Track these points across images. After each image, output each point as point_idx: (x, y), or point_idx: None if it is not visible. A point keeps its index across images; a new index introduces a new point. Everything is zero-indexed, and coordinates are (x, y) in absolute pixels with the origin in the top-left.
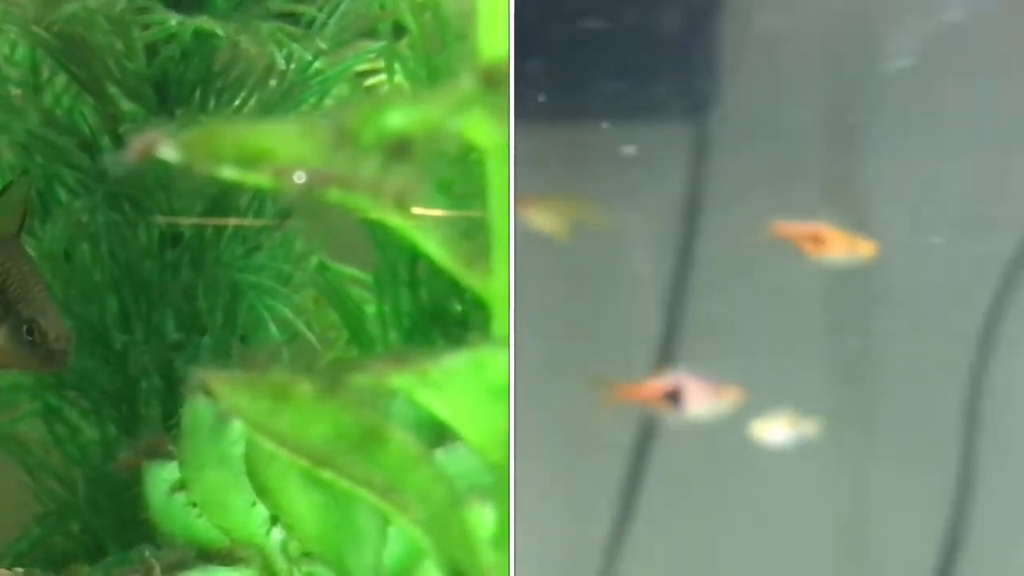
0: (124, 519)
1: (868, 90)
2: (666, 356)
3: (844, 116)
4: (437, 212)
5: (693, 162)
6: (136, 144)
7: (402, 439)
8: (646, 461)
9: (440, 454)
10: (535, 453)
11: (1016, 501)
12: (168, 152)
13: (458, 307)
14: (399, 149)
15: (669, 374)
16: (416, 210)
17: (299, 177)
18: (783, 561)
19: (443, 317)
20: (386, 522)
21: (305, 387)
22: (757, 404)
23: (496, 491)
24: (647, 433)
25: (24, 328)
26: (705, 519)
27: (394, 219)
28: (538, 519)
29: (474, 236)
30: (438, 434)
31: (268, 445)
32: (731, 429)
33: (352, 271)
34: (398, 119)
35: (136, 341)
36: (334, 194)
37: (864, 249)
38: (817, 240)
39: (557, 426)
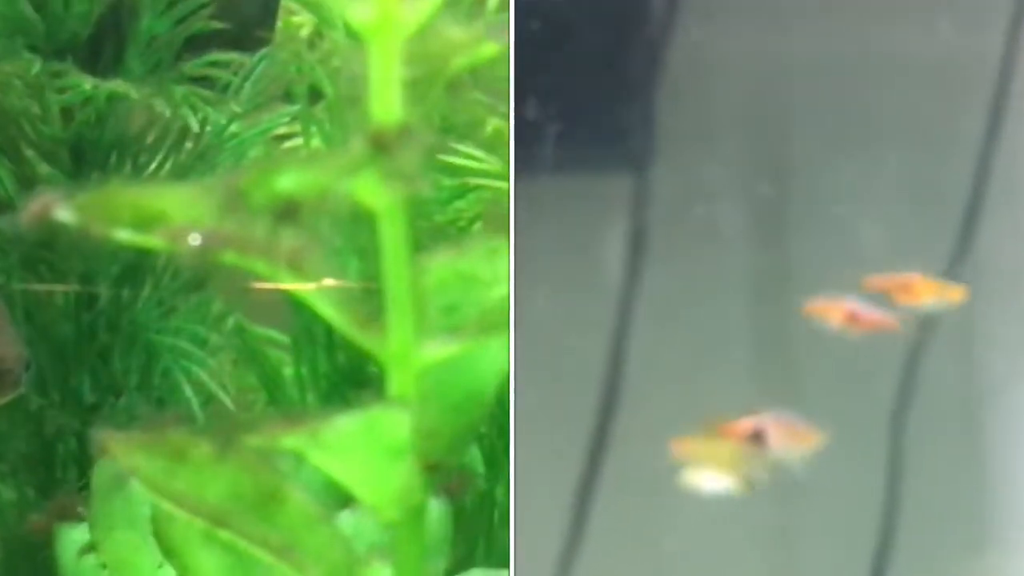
0: None
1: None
2: (610, 397)
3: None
4: (333, 282)
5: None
6: (32, 206)
7: (300, 500)
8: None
9: (347, 514)
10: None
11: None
12: (64, 214)
13: (376, 369)
14: (287, 212)
15: (755, 416)
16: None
17: (194, 239)
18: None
19: (361, 379)
20: None
21: (202, 448)
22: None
23: (393, 551)
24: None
25: None
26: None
27: (289, 282)
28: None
29: (368, 298)
30: (347, 495)
31: (166, 505)
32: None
33: (270, 333)
34: (288, 182)
35: (52, 403)
36: (229, 256)
37: (953, 295)
38: (907, 290)
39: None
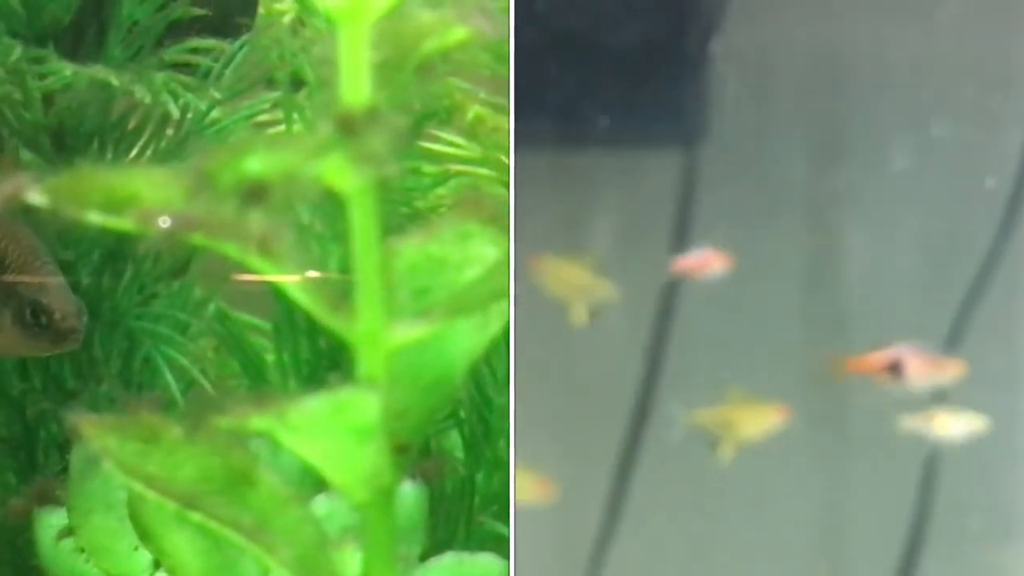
0: (20, 566)
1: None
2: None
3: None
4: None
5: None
6: (3, 189)
7: (271, 482)
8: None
9: (321, 498)
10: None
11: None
12: (35, 197)
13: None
14: (255, 194)
15: (892, 347)
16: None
17: (164, 222)
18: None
19: (342, 365)
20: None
21: (174, 430)
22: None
23: (363, 532)
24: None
25: (28, 311)
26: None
27: (258, 264)
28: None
29: (344, 285)
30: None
31: (137, 487)
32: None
33: (251, 319)
34: (256, 164)
35: (33, 389)
36: (199, 239)
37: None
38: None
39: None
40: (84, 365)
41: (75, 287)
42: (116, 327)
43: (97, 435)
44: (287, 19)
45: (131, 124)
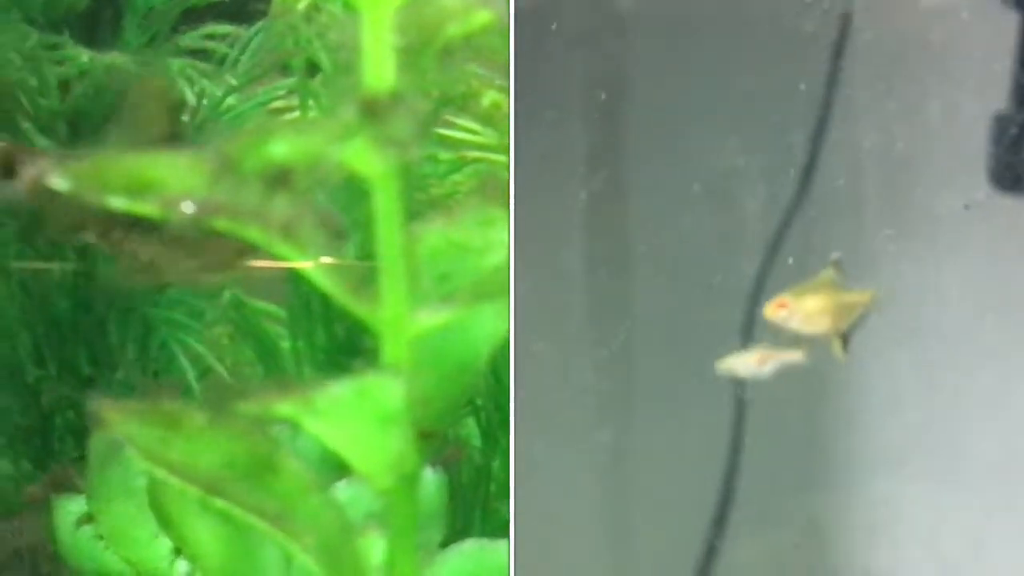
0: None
1: None
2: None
3: None
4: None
5: None
6: (26, 174)
7: (294, 468)
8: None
9: (343, 484)
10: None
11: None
12: (58, 182)
13: (372, 342)
14: (279, 178)
15: None
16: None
17: (187, 207)
18: None
19: (358, 352)
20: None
21: (197, 416)
22: None
23: (386, 519)
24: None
25: None
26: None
27: (282, 249)
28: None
29: (365, 270)
30: (344, 465)
31: (160, 474)
32: None
33: (266, 306)
34: (280, 149)
35: (49, 376)
36: (222, 223)
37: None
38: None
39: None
40: (100, 352)
41: (91, 274)
42: (131, 313)
43: (119, 422)
44: (302, 5)
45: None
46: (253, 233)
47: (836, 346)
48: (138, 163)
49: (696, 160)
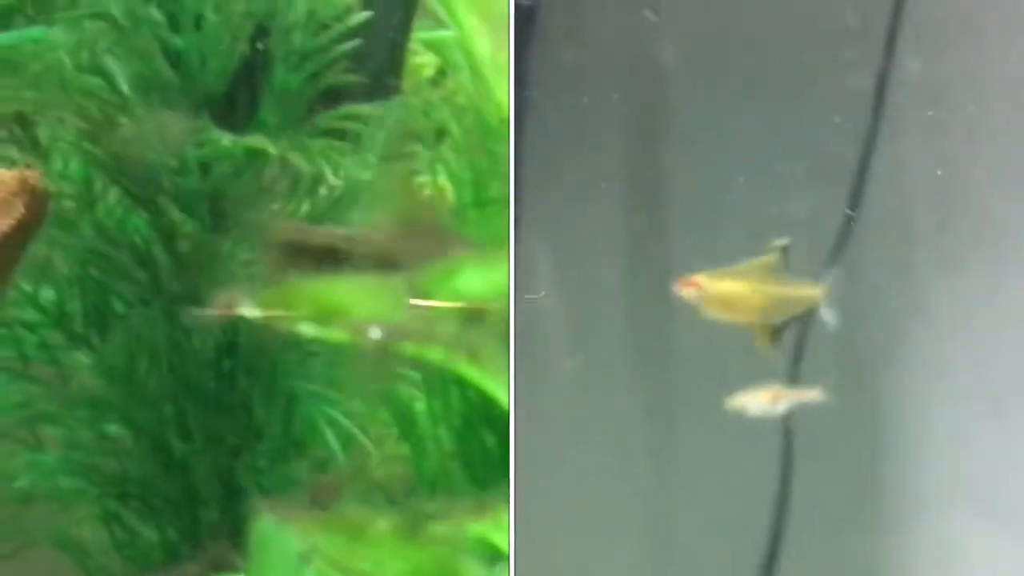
0: None
1: None
2: None
3: None
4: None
5: None
6: (218, 303)
7: (477, 575)
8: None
9: None
10: None
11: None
12: (248, 310)
13: (505, 406)
14: (476, 314)
15: None
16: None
17: (375, 333)
18: None
19: (492, 415)
20: None
21: (380, 524)
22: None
23: None
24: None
25: None
26: None
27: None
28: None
29: None
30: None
31: None
32: None
33: (400, 369)
34: (471, 283)
35: (195, 448)
36: (408, 348)
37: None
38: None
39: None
40: (244, 424)
41: (234, 347)
42: (276, 387)
43: (305, 532)
44: (428, 72)
45: (283, 186)
46: (438, 355)
47: (760, 340)
48: (324, 288)
49: (741, 204)
